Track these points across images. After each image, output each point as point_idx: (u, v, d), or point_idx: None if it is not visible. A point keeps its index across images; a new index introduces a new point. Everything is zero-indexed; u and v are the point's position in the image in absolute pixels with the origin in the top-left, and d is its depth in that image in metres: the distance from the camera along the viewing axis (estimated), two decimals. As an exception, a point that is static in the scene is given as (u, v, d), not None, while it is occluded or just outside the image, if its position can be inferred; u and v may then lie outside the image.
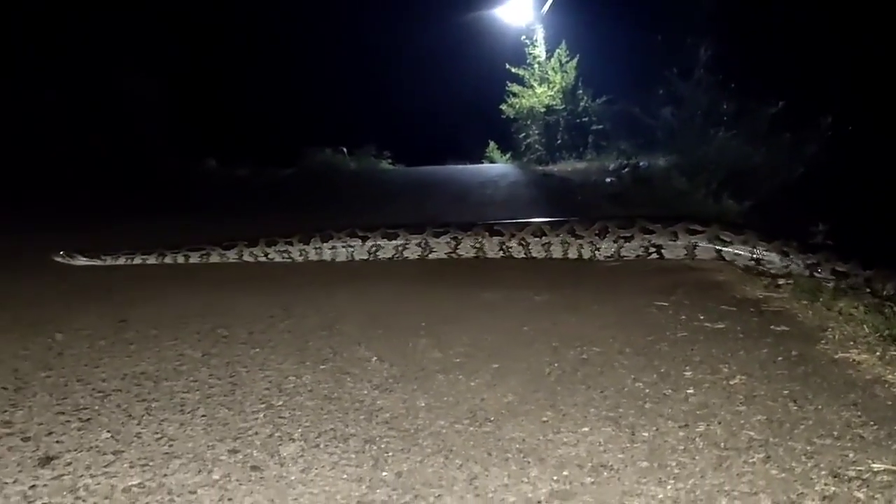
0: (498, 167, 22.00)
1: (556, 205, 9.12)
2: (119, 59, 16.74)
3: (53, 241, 5.07)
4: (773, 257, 4.28)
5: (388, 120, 29.02)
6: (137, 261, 4.79)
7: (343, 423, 2.02)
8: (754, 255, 4.35)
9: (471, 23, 27.25)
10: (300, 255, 4.88)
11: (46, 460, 1.79)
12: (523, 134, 23.05)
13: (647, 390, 2.25)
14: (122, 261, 4.77)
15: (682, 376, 2.39)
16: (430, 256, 4.86)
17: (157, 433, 1.94)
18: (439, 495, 1.60)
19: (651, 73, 13.00)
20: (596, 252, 4.66)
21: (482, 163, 25.80)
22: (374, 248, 4.87)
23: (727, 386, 2.30)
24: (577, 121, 21.39)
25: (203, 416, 2.07)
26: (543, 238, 4.71)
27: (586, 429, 1.95)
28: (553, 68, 21.72)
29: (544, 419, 2.02)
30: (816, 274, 4.06)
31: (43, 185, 11.77)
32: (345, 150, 24.52)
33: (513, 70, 22.50)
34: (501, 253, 4.76)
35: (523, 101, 22.50)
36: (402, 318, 3.27)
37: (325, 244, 4.88)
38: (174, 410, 2.11)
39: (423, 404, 2.16)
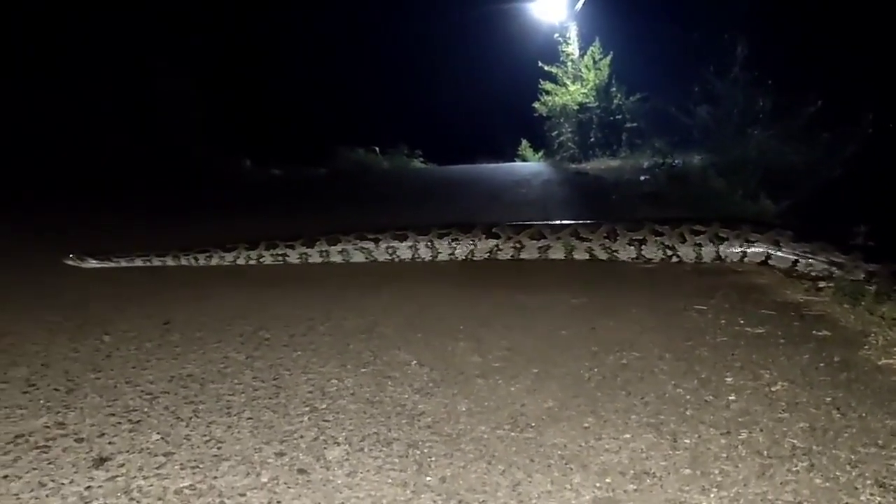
0: (530, 165, 21.96)
1: (591, 204, 9.08)
2: (155, 58, 17.01)
3: (98, 242, 5.18)
4: (765, 250, 4.39)
5: (421, 119, 29.12)
6: (157, 262, 4.80)
7: (386, 427, 2.05)
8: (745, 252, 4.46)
9: (504, 21, 27.23)
10: (321, 256, 4.92)
11: (100, 461, 1.84)
12: (556, 132, 22.98)
13: (688, 396, 2.25)
14: (138, 262, 4.79)
15: (724, 382, 2.39)
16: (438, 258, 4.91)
17: (205, 435, 1.99)
18: (483, 501, 1.62)
19: (686, 71, 12.86)
20: (615, 254, 4.69)
21: (514, 161, 25.77)
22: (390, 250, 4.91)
23: (769, 392, 2.29)
24: (611, 119, 21.26)
25: (249, 418, 2.11)
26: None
27: (628, 435, 1.96)
28: (586, 66, 21.62)
29: (585, 425, 2.04)
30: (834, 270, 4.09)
31: (82, 185, 11.99)
32: (377, 149, 24.67)
33: (546, 68, 22.43)
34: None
35: (556, 98, 22.44)
36: (439, 321, 3.30)
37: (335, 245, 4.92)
38: (221, 413, 2.16)
39: (464, 409, 2.18)
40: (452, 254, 4.89)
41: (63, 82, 13.81)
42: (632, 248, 4.66)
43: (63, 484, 1.73)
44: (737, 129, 10.12)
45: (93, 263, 4.74)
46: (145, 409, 2.20)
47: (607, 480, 1.71)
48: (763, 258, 4.43)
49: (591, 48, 21.53)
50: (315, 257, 4.92)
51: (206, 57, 18.74)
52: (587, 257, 4.73)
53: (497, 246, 4.83)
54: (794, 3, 12.10)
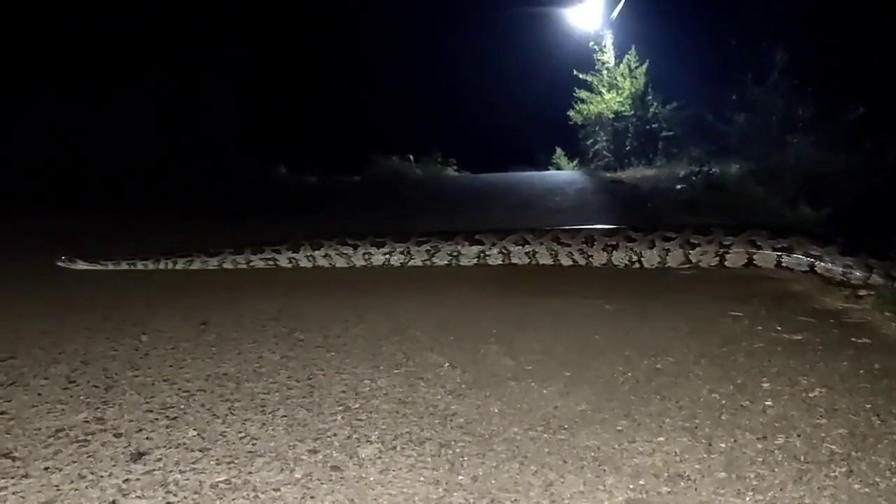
0: (565, 174, 21.87)
1: (627, 212, 9.02)
2: (196, 65, 17.30)
3: (137, 244, 5.28)
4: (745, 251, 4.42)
5: (454, 127, 29.18)
6: (139, 266, 4.94)
7: (418, 426, 2.05)
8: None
9: (538, 29, 27.21)
10: (309, 260, 5.02)
11: (138, 456, 1.88)
12: (591, 140, 22.86)
13: (724, 401, 2.22)
14: (123, 266, 4.94)
15: (760, 388, 2.35)
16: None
17: (240, 432, 2.02)
18: (515, 500, 1.62)
19: (723, 78, 12.74)
20: (590, 260, 4.72)
21: (548, 170, 25.68)
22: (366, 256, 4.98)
23: (806, 398, 2.25)
24: (647, 127, 21.07)
25: (283, 416, 2.14)
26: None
27: (662, 438, 1.95)
28: (622, 74, 21.47)
29: (619, 428, 2.02)
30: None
31: (121, 190, 12.21)
32: (411, 157, 24.78)
33: (581, 76, 22.34)
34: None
35: (591, 107, 22.32)
36: (471, 325, 3.30)
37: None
38: (256, 411, 2.19)
39: (496, 410, 2.18)
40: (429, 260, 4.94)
41: (105, 88, 14.08)
42: (604, 253, 4.71)
43: (102, 476, 1.76)
44: (776, 137, 9.99)
45: (82, 265, 4.93)
46: (182, 406, 2.24)
47: (641, 482, 1.70)
48: (746, 261, 4.45)
49: (627, 56, 21.39)
50: (304, 261, 5.01)
51: (245, 65, 19.00)
52: (570, 263, 4.77)
53: (483, 252, 4.88)
54: (833, 9, 11.91)
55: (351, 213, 10.53)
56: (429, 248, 4.94)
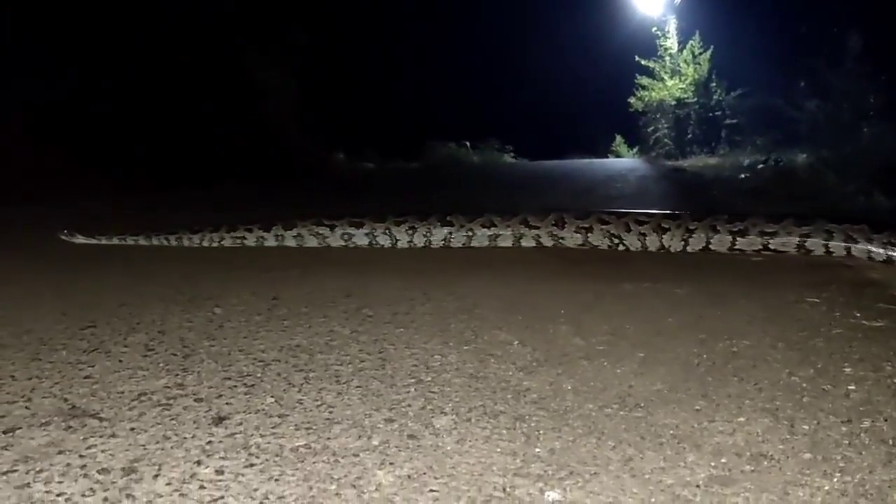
0: (625, 161, 21.62)
1: (690, 200, 8.86)
2: (256, 51, 17.55)
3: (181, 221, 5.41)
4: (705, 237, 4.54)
5: (512, 113, 29.06)
6: (130, 241, 5.16)
7: (492, 400, 2.05)
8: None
9: (599, 14, 26.83)
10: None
11: (219, 420, 1.92)
12: (652, 128, 22.52)
13: (805, 385, 2.17)
14: (115, 241, 5.16)
15: (842, 372, 2.28)
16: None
17: (316, 400, 2.05)
18: (595, 473, 1.61)
19: (792, 65, 12.38)
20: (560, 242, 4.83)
21: (608, 157, 25.39)
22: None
23: (892, 384, 2.17)
24: (710, 114, 20.65)
25: (357, 387, 2.16)
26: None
27: (742, 419, 1.90)
28: (685, 60, 21.08)
29: (697, 408, 1.99)
30: None
31: (180, 174, 12.45)
32: (468, 143, 24.78)
33: (643, 62, 21.99)
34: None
35: (653, 94, 22.00)
36: (539, 305, 3.28)
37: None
38: (330, 381, 2.21)
39: (569, 388, 2.16)
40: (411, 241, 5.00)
41: (164, 73, 14.37)
42: (578, 235, 4.79)
43: (185, 438, 1.80)
44: (848, 124, 9.68)
45: (80, 239, 5.18)
46: (258, 375, 2.28)
47: (723, 461, 1.67)
48: (704, 244, 4.54)
49: (691, 42, 20.99)
50: (271, 241, 5.10)
51: (305, 50, 19.20)
52: (533, 244, 4.88)
53: (450, 233, 4.95)
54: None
55: (404, 199, 10.57)
56: (407, 227, 5.00)
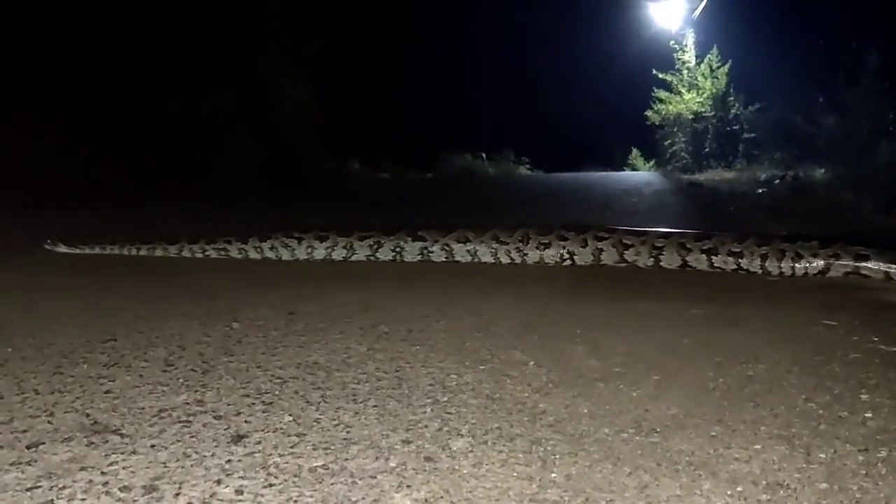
0: (641, 175, 21.56)
1: (706, 216, 8.83)
2: (273, 59, 17.66)
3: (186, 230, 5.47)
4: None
5: (529, 125, 29.07)
6: (107, 250, 5.30)
7: (508, 422, 2.06)
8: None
9: (615, 28, 26.84)
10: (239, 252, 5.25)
11: (238, 438, 1.94)
12: (669, 141, 22.46)
13: (821, 411, 2.16)
14: (96, 250, 5.31)
15: (858, 399, 2.28)
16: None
17: (334, 419, 2.07)
18: (611, 500, 1.61)
19: (810, 80, 12.34)
20: (525, 258, 4.88)
21: (624, 170, 25.33)
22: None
23: (910, 412, 2.17)
24: (727, 129, 20.58)
25: (374, 406, 2.18)
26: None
27: (758, 446, 1.91)
28: (703, 74, 21.03)
29: (713, 434, 1.99)
30: None
31: (195, 182, 12.55)
32: (484, 155, 24.80)
33: (660, 76, 21.96)
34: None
35: (670, 107, 21.96)
36: (554, 324, 3.29)
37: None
38: (347, 399, 2.23)
39: (585, 411, 2.17)
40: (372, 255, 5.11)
41: (181, 82, 14.47)
42: (538, 252, 4.88)
43: (205, 456, 1.82)
44: (867, 141, 9.63)
45: (63, 249, 5.33)
46: (276, 392, 2.30)
47: (739, 489, 1.67)
48: (652, 262, 4.70)
49: (709, 56, 20.94)
50: (252, 253, 5.23)
51: (322, 60, 19.31)
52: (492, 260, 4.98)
53: (426, 248, 5.02)
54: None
55: (418, 210, 10.60)
56: (371, 242, 5.09)
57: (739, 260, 4.52)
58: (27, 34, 11.96)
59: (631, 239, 4.75)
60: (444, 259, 5.00)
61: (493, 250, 4.93)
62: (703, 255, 4.59)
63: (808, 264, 4.38)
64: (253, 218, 8.51)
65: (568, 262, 4.83)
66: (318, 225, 5.38)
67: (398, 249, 5.04)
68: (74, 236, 5.50)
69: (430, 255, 5.01)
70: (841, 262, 4.33)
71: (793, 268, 4.41)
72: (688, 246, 4.63)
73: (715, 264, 4.58)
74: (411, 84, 27.15)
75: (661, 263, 4.67)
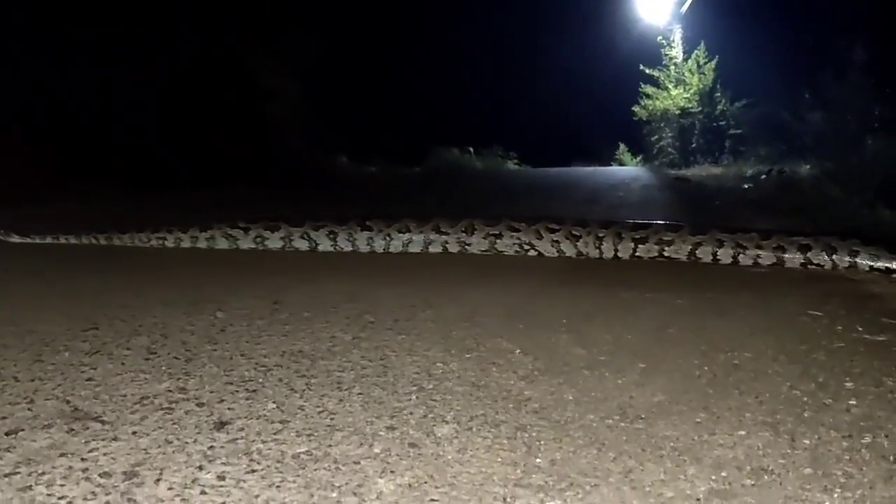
0: (629, 170, 21.61)
1: (692, 210, 8.86)
2: (259, 55, 17.54)
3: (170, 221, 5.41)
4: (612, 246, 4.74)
5: (516, 120, 29.06)
6: (62, 240, 5.30)
7: (493, 409, 2.06)
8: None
9: (603, 23, 26.86)
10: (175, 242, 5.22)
11: (221, 425, 1.92)
12: (656, 137, 22.54)
13: (806, 399, 2.17)
14: (48, 240, 5.30)
15: (843, 387, 2.29)
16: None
17: (318, 407, 2.05)
18: (595, 485, 1.61)
19: (797, 76, 12.40)
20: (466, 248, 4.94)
21: (611, 165, 25.38)
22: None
23: (893, 399, 2.18)
24: (714, 124, 20.67)
25: (359, 394, 2.16)
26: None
27: (743, 432, 1.91)
28: (690, 70, 21.10)
29: (697, 420, 1.99)
30: None
31: (183, 178, 12.43)
32: (471, 150, 24.76)
33: (647, 71, 22.01)
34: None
35: (657, 103, 22.02)
36: (540, 313, 3.29)
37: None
38: (332, 387, 2.22)
39: (570, 398, 2.16)
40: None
41: (169, 75, 14.35)
42: (486, 241, 4.90)
43: (187, 443, 1.80)
44: (853, 137, 9.69)
45: (16, 239, 5.29)
46: (260, 380, 2.28)
47: (723, 474, 1.67)
48: (612, 253, 4.75)
49: (696, 52, 21.01)
50: (186, 242, 5.18)
51: (310, 54, 19.20)
52: (440, 250, 4.98)
53: (371, 238, 5.01)
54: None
55: (404, 204, 10.57)
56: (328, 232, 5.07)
57: (664, 249, 4.66)
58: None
59: (579, 230, 4.81)
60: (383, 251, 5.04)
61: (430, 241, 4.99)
62: (632, 244, 4.71)
63: (756, 256, 4.50)
64: (237, 211, 8.45)
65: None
66: (268, 215, 5.35)
67: (352, 239, 5.03)
68: (31, 228, 5.43)
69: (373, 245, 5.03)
70: (787, 255, 4.46)
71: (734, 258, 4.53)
72: (623, 235, 4.72)
73: (637, 253, 4.71)
74: (399, 79, 27.06)
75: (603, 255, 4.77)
